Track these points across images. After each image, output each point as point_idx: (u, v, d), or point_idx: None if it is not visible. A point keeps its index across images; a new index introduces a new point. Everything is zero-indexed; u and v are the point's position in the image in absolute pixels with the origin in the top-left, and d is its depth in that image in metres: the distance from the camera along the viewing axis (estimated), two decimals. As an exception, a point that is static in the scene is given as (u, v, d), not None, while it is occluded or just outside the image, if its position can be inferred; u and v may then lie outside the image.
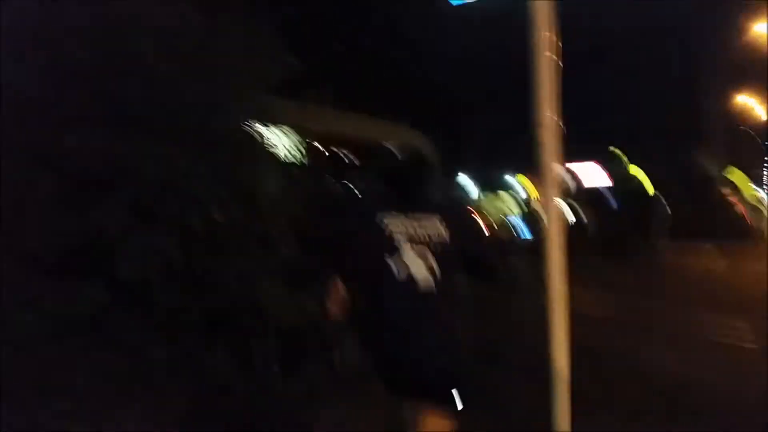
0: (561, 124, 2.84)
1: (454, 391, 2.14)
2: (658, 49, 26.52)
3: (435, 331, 2.12)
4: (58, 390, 2.89)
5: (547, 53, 2.70)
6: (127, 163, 3.40)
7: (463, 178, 35.54)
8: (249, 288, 3.61)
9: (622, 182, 27.79)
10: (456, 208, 2.51)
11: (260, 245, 3.88)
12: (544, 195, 2.74)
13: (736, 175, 23.41)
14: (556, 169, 2.86)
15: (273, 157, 4.47)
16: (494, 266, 2.41)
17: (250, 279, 3.63)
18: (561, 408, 2.59)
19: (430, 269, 2.09)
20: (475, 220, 2.71)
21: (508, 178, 37.11)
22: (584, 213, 16.99)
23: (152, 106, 3.55)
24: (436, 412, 2.15)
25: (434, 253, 2.10)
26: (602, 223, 16.23)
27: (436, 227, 2.13)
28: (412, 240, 2.11)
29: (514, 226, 20.21)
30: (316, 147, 18.58)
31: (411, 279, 2.09)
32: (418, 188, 2.27)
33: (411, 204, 2.20)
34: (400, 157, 2.40)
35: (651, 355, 5.35)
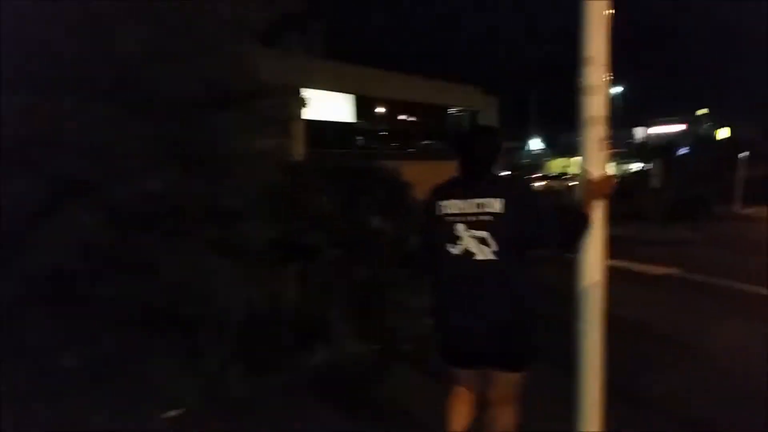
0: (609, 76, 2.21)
1: (521, 356, 2.32)
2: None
3: (496, 298, 2.19)
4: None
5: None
6: (40, 125, 2.68)
7: (536, 142, 34.30)
8: (193, 274, 2.86)
9: (704, 143, 25.59)
10: (517, 186, 2.37)
11: (215, 221, 3.11)
12: (588, 152, 2.28)
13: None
14: (602, 123, 2.20)
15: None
16: (561, 240, 2.28)
17: (196, 262, 2.87)
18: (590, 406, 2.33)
19: (484, 243, 2.16)
20: (536, 196, 2.50)
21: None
22: (656, 173, 15.45)
23: (74, 50, 2.79)
24: (503, 375, 2.31)
25: (490, 230, 2.17)
26: (675, 185, 14.67)
27: (492, 205, 2.18)
28: (467, 219, 2.20)
29: (573, 183, 19.31)
30: (374, 110, 18.05)
31: (467, 253, 2.20)
32: (479, 161, 2.29)
33: (472, 182, 2.27)
34: (462, 128, 2.90)
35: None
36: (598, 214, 2.29)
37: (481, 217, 2.17)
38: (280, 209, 3.95)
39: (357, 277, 4.29)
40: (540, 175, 32.91)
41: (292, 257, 4.00)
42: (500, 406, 2.34)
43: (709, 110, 37.12)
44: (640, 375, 3.74)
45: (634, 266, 7.59)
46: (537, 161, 35.59)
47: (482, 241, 2.16)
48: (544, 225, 2.18)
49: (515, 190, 2.23)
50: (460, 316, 2.24)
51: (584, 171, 2.26)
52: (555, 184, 25.16)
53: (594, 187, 2.24)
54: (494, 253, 2.15)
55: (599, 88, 2.19)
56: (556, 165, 37.75)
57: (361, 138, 17.99)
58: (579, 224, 2.23)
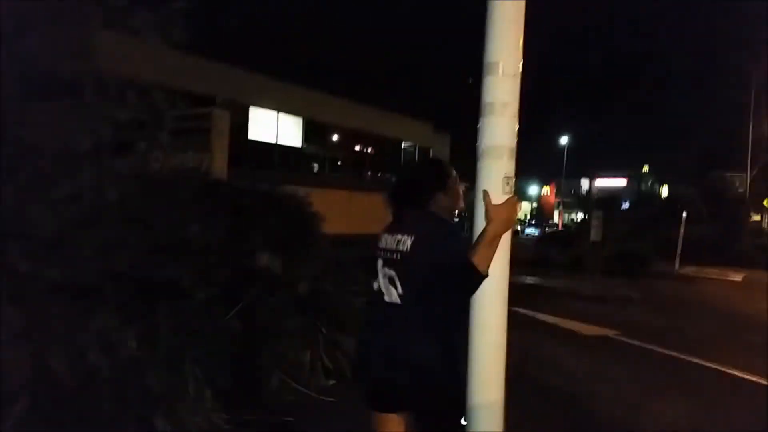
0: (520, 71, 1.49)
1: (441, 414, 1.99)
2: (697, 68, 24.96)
3: (402, 346, 1.97)
4: None
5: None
6: None
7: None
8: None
9: (646, 200, 26.38)
10: (430, 224, 2.03)
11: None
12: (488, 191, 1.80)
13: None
14: (507, 155, 1.50)
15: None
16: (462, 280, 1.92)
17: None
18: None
19: (392, 284, 1.99)
20: (446, 236, 2.07)
21: (533, 188, 35.99)
22: (597, 225, 15.32)
23: None
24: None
25: (397, 270, 1.99)
26: (615, 239, 14.58)
27: (404, 243, 2.01)
28: (386, 255, 2.06)
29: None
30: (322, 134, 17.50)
31: (379, 292, 2.04)
32: (403, 194, 2.13)
33: (398, 217, 2.12)
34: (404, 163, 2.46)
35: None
36: (502, 259, 1.73)
37: (394, 255, 2.01)
38: (132, 236, 3.13)
39: (231, 326, 3.49)
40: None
41: (147, 298, 3.17)
42: None
43: (650, 168, 38.63)
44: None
45: (566, 324, 7.07)
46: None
47: (391, 281, 1.99)
48: (448, 269, 1.89)
49: (426, 228, 2.01)
50: (374, 359, 2.05)
51: (484, 200, 1.82)
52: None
53: (498, 217, 1.82)
54: (400, 296, 1.95)
55: (506, 108, 1.52)
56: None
57: (311, 164, 17.40)
58: (471, 273, 1.85)
